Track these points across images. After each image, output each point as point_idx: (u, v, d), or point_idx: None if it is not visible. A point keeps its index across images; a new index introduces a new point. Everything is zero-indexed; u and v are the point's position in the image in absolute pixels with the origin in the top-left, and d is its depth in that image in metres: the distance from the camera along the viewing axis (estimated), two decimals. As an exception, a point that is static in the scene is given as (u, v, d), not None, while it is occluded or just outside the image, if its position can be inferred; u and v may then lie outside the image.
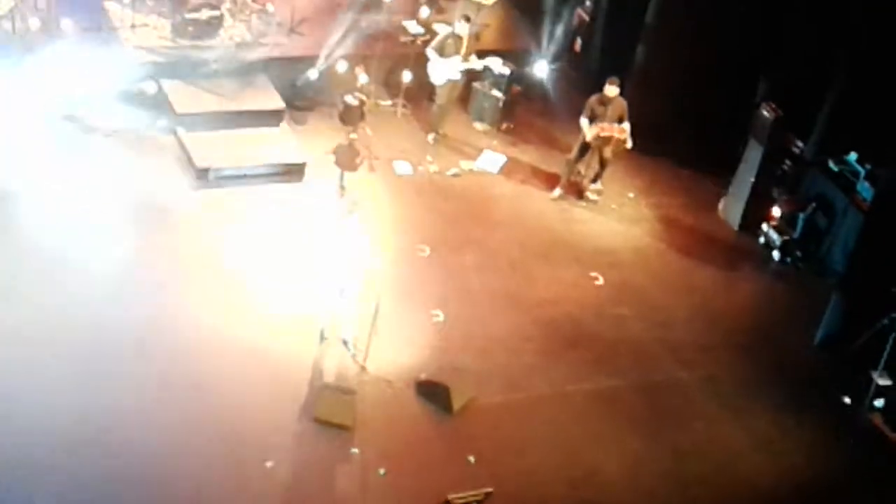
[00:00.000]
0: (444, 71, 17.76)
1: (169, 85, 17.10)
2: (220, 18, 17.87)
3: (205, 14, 17.72)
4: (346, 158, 16.14)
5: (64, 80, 16.00)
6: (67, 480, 11.65)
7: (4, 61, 15.75)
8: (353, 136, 16.52)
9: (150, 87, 16.70)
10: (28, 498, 11.40)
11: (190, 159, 16.32)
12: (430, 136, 18.13)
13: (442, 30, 18.24)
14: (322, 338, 13.93)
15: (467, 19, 17.82)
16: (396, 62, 18.47)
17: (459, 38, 17.72)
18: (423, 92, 18.41)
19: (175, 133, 16.72)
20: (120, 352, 13.17)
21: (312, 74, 17.86)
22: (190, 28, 17.66)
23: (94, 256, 14.27)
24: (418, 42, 18.45)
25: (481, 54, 18.11)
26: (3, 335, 12.98)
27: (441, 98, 18.05)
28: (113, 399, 12.57)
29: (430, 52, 17.79)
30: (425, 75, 17.92)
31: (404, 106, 18.51)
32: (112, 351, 13.15)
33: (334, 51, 17.96)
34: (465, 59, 17.79)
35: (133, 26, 17.58)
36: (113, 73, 16.45)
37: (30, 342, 12.98)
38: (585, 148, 17.27)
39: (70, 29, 16.88)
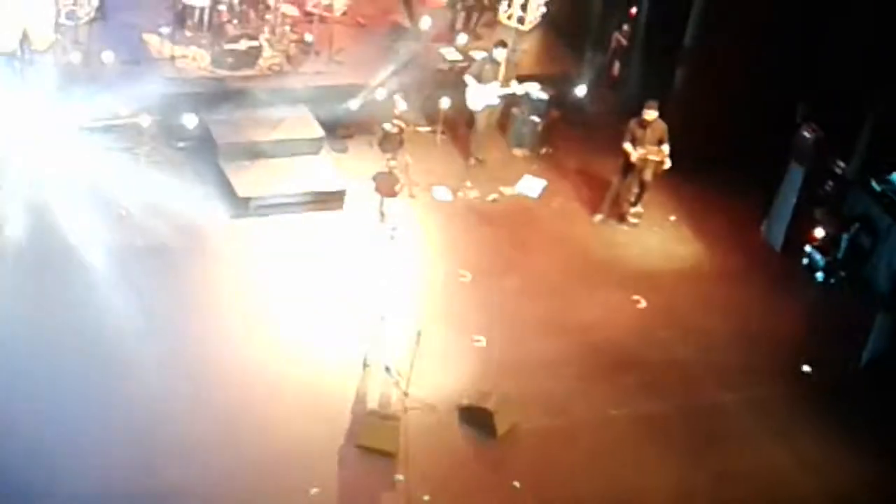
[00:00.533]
0: (482, 97, 17.78)
1: (209, 115, 17.20)
2: (258, 49, 17.97)
3: (243, 44, 17.83)
4: (386, 185, 16.20)
5: (104, 111, 16.13)
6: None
7: (46, 93, 15.87)
8: (392, 162, 16.59)
9: (190, 119, 16.78)
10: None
11: (231, 188, 16.40)
12: (470, 162, 18.14)
13: (479, 56, 18.28)
14: (365, 364, 13.95)
15: (504, 44, 17.86)
16: (434, 89, 18.51)
17: (497, 63, 17.75)
18: (461, 118, 18.43)
19: (216, 163, 16.80)
20: (160, 380, 13.18)
21: (352, 103, 17.91)
22: (229, 59, 17.77)
23: (135, 284, 14.33)
24: (456, 68, 18.50)
25: (519, 79, 18.13)
26: (42, 367, 13.08)
27: (479, 124, 18.06)
28: (152, 428, 12.62)
29: (468, 78, 17.82)
30: (463, 101, 17.95)
31: (443, 132, 18.53)
32: (151, 380, 13.16)
33: (373, 79, 18.02)
34: (504, 84, 17.82)
35: (172, 58, 17.74)
36: (153, 105, 16.55)
37: (67, 371, 13.08)
38: (627, 171, 17.24)
39: (110, 61, 17.00)
